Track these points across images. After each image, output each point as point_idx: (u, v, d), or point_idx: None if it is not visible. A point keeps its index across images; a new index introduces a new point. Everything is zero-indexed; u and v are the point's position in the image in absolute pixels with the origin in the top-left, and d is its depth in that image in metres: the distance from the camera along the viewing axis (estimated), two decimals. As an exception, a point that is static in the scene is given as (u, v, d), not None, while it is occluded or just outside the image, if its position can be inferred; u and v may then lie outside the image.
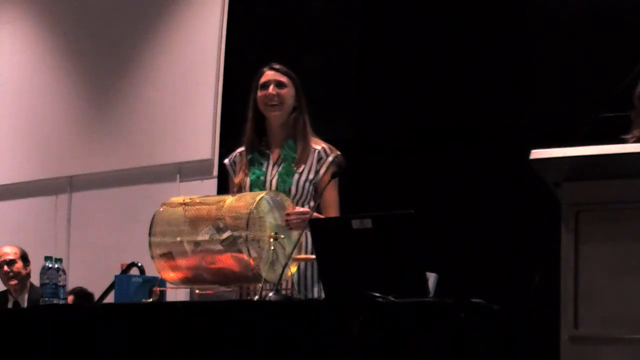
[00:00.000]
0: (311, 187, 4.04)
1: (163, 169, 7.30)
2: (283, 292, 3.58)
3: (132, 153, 7.45)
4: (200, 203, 3.64)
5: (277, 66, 4.11)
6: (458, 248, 5.58)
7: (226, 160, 4.22)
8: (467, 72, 5.90)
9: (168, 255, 3.63)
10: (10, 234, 7.44)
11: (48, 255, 3.83)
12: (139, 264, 3.97)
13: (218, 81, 7.12)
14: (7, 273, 6.54)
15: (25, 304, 6.46)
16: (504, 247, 5.51)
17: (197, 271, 3.60)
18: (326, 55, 6.45)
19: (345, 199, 4.07)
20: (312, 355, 3.10)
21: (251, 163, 4.08)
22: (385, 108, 6.18)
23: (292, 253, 3.52)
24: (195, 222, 3.59)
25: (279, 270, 3.46)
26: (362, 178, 5.71)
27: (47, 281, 3.76)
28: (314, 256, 3.66)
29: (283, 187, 3.99)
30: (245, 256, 3.47)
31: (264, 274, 3.45)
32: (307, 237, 3.78)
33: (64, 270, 3.80)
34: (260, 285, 3.44)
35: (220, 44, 7.13)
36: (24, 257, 6.61)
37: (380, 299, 3.01)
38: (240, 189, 4.04)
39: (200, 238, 3.57)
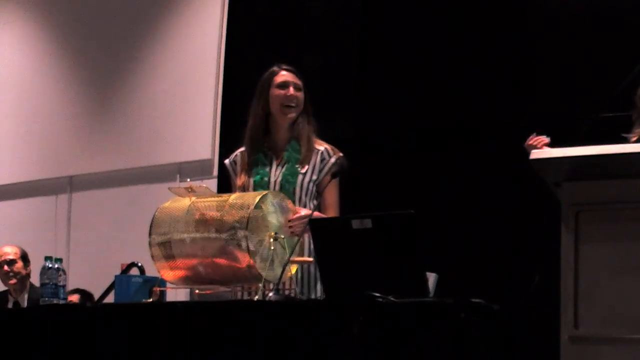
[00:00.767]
0: (314, 188, 4.05)
1: (163, 169, 7.30)
2: (286, 291, 3.58)
3: (132, 153, 7.45)
4: (203, 201, 3.64)
5: (289, 67, 4.13)
6: (458, 248, 5.58)
7: (227, 161, 4.21)
8: (467, 72, 5.90)
9: (168, 255, 3.63)
10: (10, 234, 7.43)
11: (48, 255, 3.83)
12: (139, 264, 3.97)
13: (218, 81, 7.11)
14: (7, 273, 6.53)
15: (25, 304, 6.44)
16: (504, 247, 5.50)
17: (197, 271, 3.60)
18: (326, 55, 6.44)
19: (345, 199, 4.07)
20: (312, 355, 3.10)
21: (254, 164, 4.08)
22: (385, 108, 6.18)
23: (291, 253, 3.52)
24: (196, 221, 3.59)
25: (279, 270, 3.46)
26: (362, 178, 5.69)
27: (47, 281, 3.76)
28: (311, 259, 3.67)
29: (287, 187, 3.99)
30: (245, 256, 3.47)
31: (264, 274, 3.45)
32: (309, 237, 3.78)
33: (64, 270, 3.80)
34: (260, 285, 3.44)
35: (220, 44, 7.13)
36: (24, 257, 6.60)
37: (380, 299, 3.01)
38: (243, 190, 4.03)
39: (200, 236, 3.57)
